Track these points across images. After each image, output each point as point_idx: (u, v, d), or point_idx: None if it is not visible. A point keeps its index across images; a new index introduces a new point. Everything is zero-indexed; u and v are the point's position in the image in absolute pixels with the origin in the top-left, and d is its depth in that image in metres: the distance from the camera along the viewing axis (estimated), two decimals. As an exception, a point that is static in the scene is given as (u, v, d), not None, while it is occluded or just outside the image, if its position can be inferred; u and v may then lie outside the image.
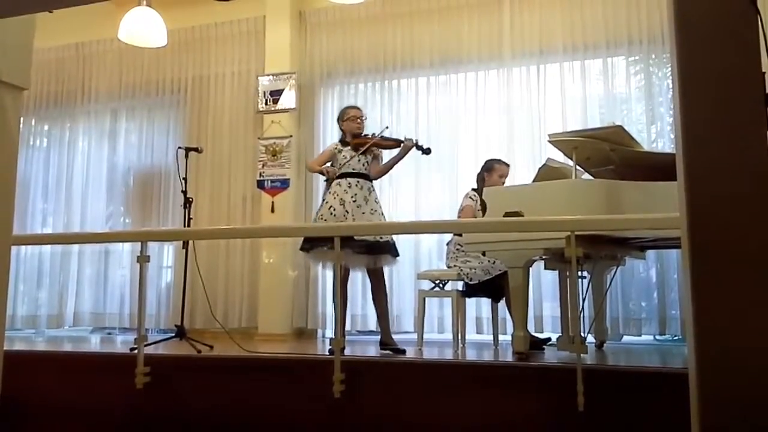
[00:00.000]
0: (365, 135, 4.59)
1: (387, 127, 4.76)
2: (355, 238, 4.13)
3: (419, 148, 4.53)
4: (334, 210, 4.33)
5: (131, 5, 5.50)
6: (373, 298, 4.47)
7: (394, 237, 4.47)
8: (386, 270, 4.54)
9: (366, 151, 4.51)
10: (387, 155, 4.64)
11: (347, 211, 4.31)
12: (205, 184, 6.43)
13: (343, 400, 3.36)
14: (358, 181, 4.44)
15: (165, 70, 6.84)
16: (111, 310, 6.63)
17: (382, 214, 4.51)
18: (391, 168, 4.63)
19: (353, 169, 4.47)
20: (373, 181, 4.57)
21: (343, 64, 6.33)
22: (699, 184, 1.21)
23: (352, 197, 4.37)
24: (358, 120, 4.62)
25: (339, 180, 4.45)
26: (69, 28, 6.53)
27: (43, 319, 6.78)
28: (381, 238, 4.29)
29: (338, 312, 3.78)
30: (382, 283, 4.44)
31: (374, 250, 4.26)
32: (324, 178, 4.68)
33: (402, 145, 4.52)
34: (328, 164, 4.60)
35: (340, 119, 4.72)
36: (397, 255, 4.46)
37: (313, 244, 4.29)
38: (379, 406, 3.43)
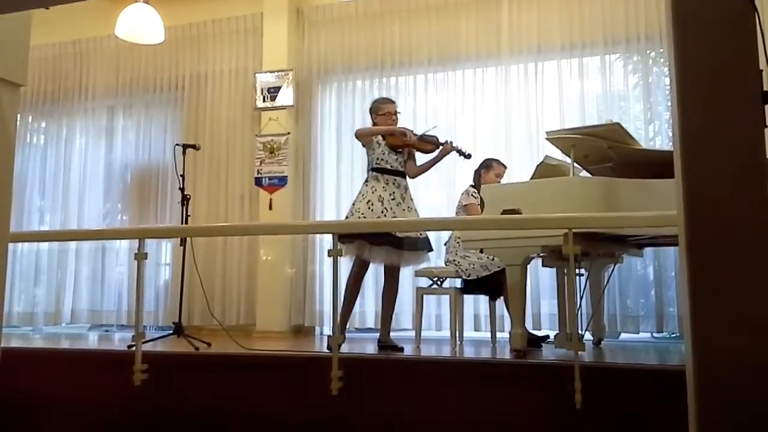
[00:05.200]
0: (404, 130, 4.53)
1: (435, 126, 4.71)
2: (398, 235, 4.16)
3: (460, 152, 4.50)
4: (372, 206, 4.29)
5: (128, 2, 5.49)
6: (384, 295, 4.47)
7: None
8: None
9: (401, 150, 4.47)
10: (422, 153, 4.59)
11: (386, 208, 4.28)
12: (203, 181, 6.42)
13: (341, 397, 3.36)
14: (395, 179, 4.41)
15: (162, 67, 6.83)
16: (108, 308, 6.62)
17: (416, 211, 4.51)
18: (429, 169, 4.59)
19: (390, 166, 4.43)
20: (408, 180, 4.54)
21: (340, 61, 6.32)
22: (696, 182, 1.22)
23: (390, 195, 4.35)
24: (393, 116, 4.53)
25: (376, 175, 4.41)
26: (66, 24, 6.51)
27: (40, 316, 6.77)
28: (421, 234, 4.33)
29: (336, 309, 3.77)
30: (397, 281, 4.44)
31: (414, 246, 4.28)
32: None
33: (441, 148, 4.48)
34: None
35: (374, 112, 4.58)
36: (431, 249, 4.48)
37: (353, 237, 4.15)
38: (377, 404, 3.43)
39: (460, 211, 4.85)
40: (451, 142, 4.53)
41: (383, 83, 6.19)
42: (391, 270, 4.40)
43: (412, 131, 4.55)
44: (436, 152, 4.52)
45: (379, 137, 4.48)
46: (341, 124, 6.24)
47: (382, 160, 4.43)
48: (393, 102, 4.66)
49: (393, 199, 4.34)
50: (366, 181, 4.48)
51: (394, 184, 4.40)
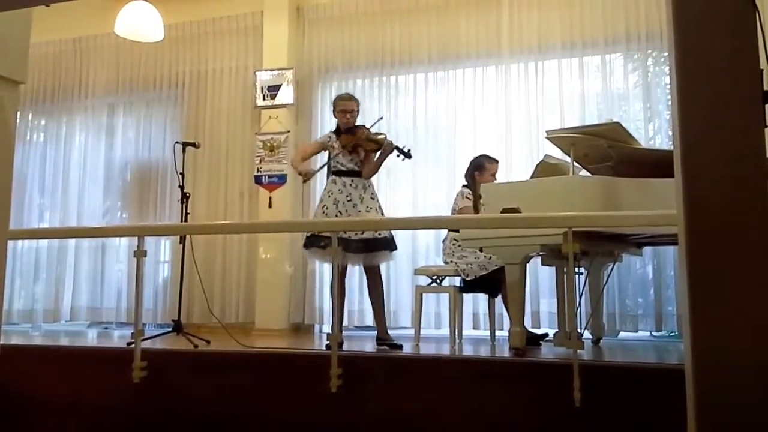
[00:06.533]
0: (357, 126, 4.47)
1: (381, 118, 4.65)
2: (351, 237, 4.13)
3: (400, 151, 4.41)
4: (327, 209, 4.33)
5: (128, 0, 5.48)
6: (369, 295, 4.47)
7: (393, 231, 4.43)
8: (383, 265, 4.54)
9: (355, 150, 4.43)
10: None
11: (340, 212, 4.30)
12: (203, 179, 6.42)
13: (340, 394, 3.37)
14: (352, 181, 4.40)
15: (162, 65, 6.82)
16: (108, 305, 6.62)
17: (379, 209, 4.45)
18: (378, 168, 4.53)
19: (345, 168, 4.41)
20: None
21: (340, 59, 6.32)
22: (696, 181, 1.22)
23: (347, 196, 4.35)
24: (348, 115, 4.45)
25: (334, 178, 4.42)
26: (66, 22, 6.52)
27: (39, 313, 6.77)
28: (379, 234, 4.26)
29: (335, 307, 3.78)
30: (378, 279, 4.42)
31: (370, 246, 4.24)
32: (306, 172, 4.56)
33: (382, 149, 4.41)
34: (307, 163, 4.58)
35: (333, 107, 4.58)
36: (395, 248, 4.40)
37: (311, 241, 4.28)
38: (376, 401, 3.43)
39: (455, 214, 4.84)
40: (391, 142, 4.44)
41: (383, 82, 6.19)
42: (370, 270, 4.39)
43: (365, 128, 4.45)
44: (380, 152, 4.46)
45: (333, 138, 4.48)
46: (341, 123, 6.23)
47: (337, 162, 4.43)
48: (352, 99, 4.55)
49: (349, 200, 4.34)
50: (325, 186, 4.50)
51: (351, 185, 4.38)
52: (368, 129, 4.47)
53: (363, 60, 6.24)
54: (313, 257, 4.54)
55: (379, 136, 4.46)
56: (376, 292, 4.41)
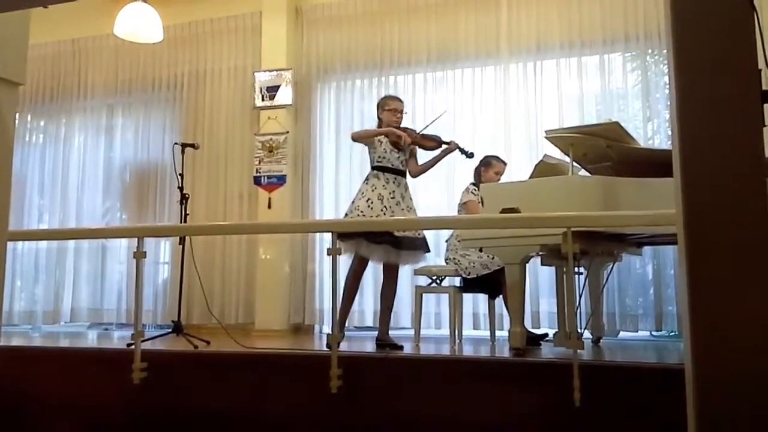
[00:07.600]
0: (404, 129, 4.51)
1: (445, 111, 4.69)
2: (395, 233, 4.16)
3: (463, 151, 4.49)
4: (372, 204, 4.30)
5: (127, 1, 5.49)
6: (382, 293, 4.47)
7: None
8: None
9: (404, 147, 4.47)
10: (424, 152, 4.59)
11: (386, 207, 4.28)
12: (202, 180, 6.42)
13: (340, 395, 3.37)
14: (395, 178, 4.41)
15: (161, 65, 6.82)
16: (108, 306, 6.63)
17: (415, 211, 4.50)
18: (430, 168, 4.60)
19: (391, 165, 4.42)
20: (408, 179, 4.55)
21: (339, 60, 6.32)
22: (695, 181, 1.22)
23: (390, 193, 4.34)
24: (398, 114, 4.52)
25: (377, 173, 4.41)
26: (65, 23, 6.52)
27: (39, 314, 6.77)
28: (418, 234, 4.32)
29: (335, 307, 3.77)
30: (396, 279, 4.44)
31: (413, 245, 4.28)
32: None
33: (444, 147, 4.48)
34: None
35: (381, 107, 4.61)
36: (429, 250, 4.49)
37: (351, 235, 4.19)
38: (376, 402, 3.43)
39: (461, 209, 4.86)
40: (458, 144, 4.53)
41: (382, 82, 6.19)
42: (390, 268, 4.41)
43: (414, 131, 4.54)
44: (439, 150, 4.52)
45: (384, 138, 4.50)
46: (340, 123, 6.24)
47: (383, 158, 4.43)
48: (401, 100, 4.66)
49: (393, 197, 4.34)
50: (367, 179, 4.48)
51: (394, 182, 4.40)
52: (414, 131, 4.54)
53: (362, 60, 6.24)
54: (352, 249, 4.27)
55: (436, 136, 4.53)
56: (390, 292, 4.42)
